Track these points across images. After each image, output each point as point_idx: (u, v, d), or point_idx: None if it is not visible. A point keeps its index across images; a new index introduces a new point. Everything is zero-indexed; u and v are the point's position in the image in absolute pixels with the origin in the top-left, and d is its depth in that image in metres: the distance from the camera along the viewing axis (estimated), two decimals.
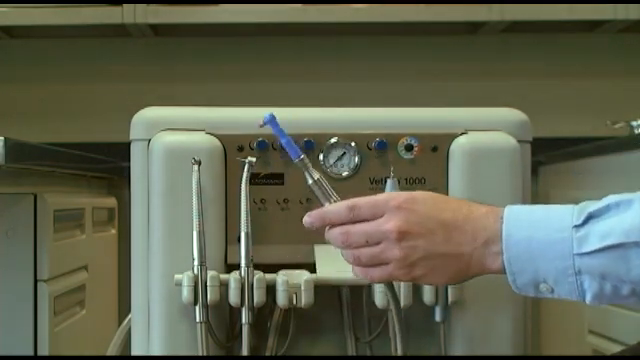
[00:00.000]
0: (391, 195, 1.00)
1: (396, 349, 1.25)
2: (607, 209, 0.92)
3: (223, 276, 1.23)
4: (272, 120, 1.05)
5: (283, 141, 1.06)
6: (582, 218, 0.92)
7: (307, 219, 1.04)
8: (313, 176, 1.05)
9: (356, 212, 1.00)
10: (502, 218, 0.95)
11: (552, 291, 0.94)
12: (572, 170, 2.19)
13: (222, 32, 2.56)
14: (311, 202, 1.28)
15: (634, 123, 2.29)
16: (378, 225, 0.98)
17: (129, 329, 1.35)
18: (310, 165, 1.06)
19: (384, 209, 0.98)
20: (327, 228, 1.02)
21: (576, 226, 0.92)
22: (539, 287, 0.95)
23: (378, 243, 0.98)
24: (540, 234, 0.93)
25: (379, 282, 1.10)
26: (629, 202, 0.92)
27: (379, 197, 1.00)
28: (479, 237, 0.96)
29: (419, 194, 0.99)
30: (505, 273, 0.96)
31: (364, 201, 1.00)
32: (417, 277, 0.99)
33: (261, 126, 1.06)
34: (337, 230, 1.01)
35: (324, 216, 1.03)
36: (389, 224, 0.97)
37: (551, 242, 0.93)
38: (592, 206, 0.93)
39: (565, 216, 0.93)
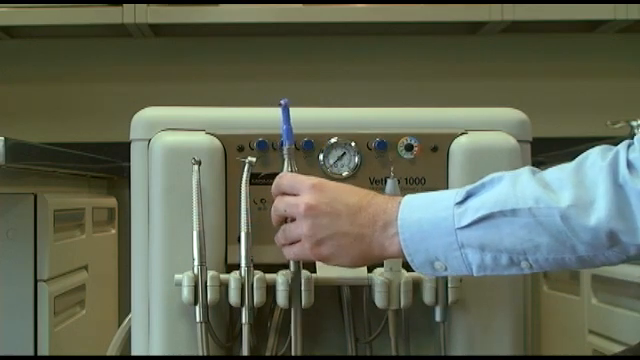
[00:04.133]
0: (309, 177, 1.11)
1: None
2: (482, 186, 1.01)
3: (223, 276, 1.23)
4: (286, 108, 1.19)
5: (285, 127, 1.19)
6: (462, 196, 1.01)
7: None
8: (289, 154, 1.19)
9: (278, 183, 1.14)
10: (400, 204, 1.04)
11: (445, 269, 1.02)
12: None
13: (222, 32, 2.56)
14: None
15: (634, 123, 2.29)
16: (295, 199, 1.10)
17: (129, 329, 1.35)
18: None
19: (301, 187, 1.10)
20: None
21: (457, 203, 1.00)
22: (434, 265, 1.03)
23: (294, 219, 1.09)
24: (429, 214, 1.02)
25: (295, 259, 1.19)
26: (500, 178, 1.01)
27: (301, 176, 1.13)
28: (379, 220, 1.05)
29: (332, 182, 1.12)
30: (404, 255, 1.04)
31: (288, 176, 1.14)
32: (325, 256, 1.08)
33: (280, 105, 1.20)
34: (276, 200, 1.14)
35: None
36: (300, 199, 1.08)
37: (437, 220, 1.01)
38: (473, 185, 1.02)
39: (450, 196, 1.02)
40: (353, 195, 1.08)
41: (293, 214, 1.09)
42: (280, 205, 1.12)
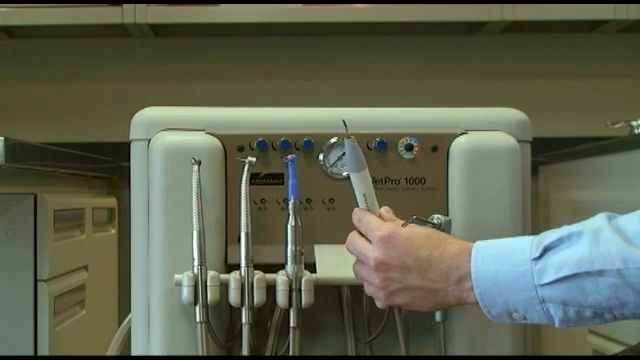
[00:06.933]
0: (379, 226, 1.10)
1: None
2: (560, 241, 1.00)
3: (223, 276, 1.23)
4: (293, 163, 1.23)
5: (291, 182, 1.23)
6: (539, 251, 1.00)
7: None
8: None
9: (359, 224, 1.13)
10: (471, 254, 1.04)
11: (524, 318, 1.03)
12: (572, 170, 2.19)
13: (222, 32, 2.56)
14: (311, 202, 1.28)
15: (634, 123, 2.29)
16: (365, 249, 1.10)
17: (129, 329, 1.35)
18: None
19: (372, 236, 1.10)
20: None
21: (534, 259, 1.00)
22: (512, 315, 1.03)
23: (363, 263, 1.11)
24: (504, 268, 1.01)
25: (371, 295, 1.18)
26: (579, 233, 0.99)
27: (374, 223, 1.11)
28: (452, 276, 1.05)
29: (402, 231, 1.09)
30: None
31: (365, 219, 1.13)
32: (399, 304, 1.11)
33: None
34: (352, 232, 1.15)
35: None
36: (370, 252, 1.09)
37: (514, 275, 1.01)
38: (548, 238, 1.00)
39: (525, 249, 1.01)
40: (423, 248, 1.07)
41: (362, 260, 1.11)
42: (350, 246, 1.13)
